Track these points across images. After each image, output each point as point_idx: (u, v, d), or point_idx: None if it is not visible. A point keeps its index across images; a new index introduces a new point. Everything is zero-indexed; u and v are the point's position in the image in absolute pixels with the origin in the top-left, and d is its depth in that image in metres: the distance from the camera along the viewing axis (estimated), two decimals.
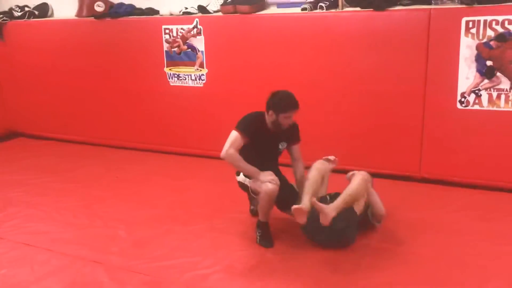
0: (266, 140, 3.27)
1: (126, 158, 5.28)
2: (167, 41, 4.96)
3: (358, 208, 3.17)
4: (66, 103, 5.77)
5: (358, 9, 4.16)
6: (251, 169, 3.14)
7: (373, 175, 4.24)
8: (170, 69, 5.04)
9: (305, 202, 3.06)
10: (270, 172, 3.12)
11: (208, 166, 4.78)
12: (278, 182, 3.11)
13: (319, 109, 4.44)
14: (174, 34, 4.89)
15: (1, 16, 5.91)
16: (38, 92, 5.92)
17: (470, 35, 3.78)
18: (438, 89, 3.97)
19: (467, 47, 3.81)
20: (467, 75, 3.86)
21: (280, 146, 3.36)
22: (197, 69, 4.89)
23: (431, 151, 4.11)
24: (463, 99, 3.91)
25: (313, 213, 3.04)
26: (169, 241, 3.37)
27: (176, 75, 5.02)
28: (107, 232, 3.54)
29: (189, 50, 4.88)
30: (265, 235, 3.26)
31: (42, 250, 3.30)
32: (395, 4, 4.03)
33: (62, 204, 4.04)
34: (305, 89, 4.42)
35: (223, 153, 3.15)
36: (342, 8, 4.24)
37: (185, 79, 4.98)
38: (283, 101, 3.17)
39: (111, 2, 5.31)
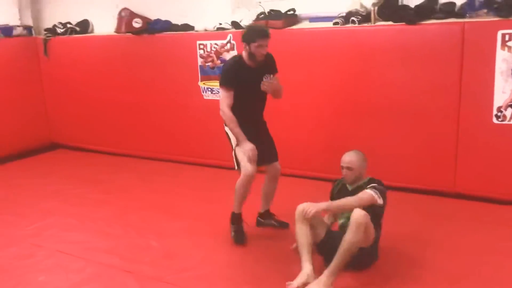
0: (250, 78, 3.40)
1: (159, 169, 5.40)
2: (201, 56, 5.07)
3: (367, 243, 2.92)
4: (104, 116, 5.97)
5: (390, 23, 4.14)
6: (239, 133, 3.37)
7: (406, 189, 4.21)
8: (204, 83, 5.13)
9: (308, 271, 2.85)
10: (252, 146, 3.32)
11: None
12: (256, 159, 3.34)
13: (351, 122, 4.42)
14: (208, 49, 4.99)
15: (46, 32, 6.19)
16: (77, 105, 6.15)
17: (506, 48, 3.70)
18: (473, 103, 3.90)
19: (503, 60, 3.73)
20: (503, 89, 3.77)
21: (264, 79, 3.45)
22: None
23: (466, 166, 4.03)
24: (499, 114, 3.82)
25: (329, 235, 3.00)
26: (198, 252, 3.41)
27: (209, 89, 5.11)
28: (140, 242, 3.62)
29: (223, 64, 4.96)
30: (239, 231, 3.50)
31: (77, 258, 3.41)
32: (428, 18, 4.00)
33: (97, 214, 4.17)
34: (337, 102, 4.44)
35: (220, 112, 3.44)
36: (374, 22, 4.23)
37: (218, 93, 5.03)
38: (252, 31, 3.38)
39: (148, 19, 5.47)
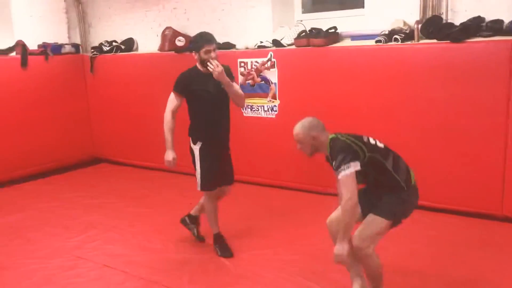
0: (205, 84, 3.49)
1: None
2: (242, 74, 5.11)
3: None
4: (146, 132, 6.08)
5: (434, 41, 4.07)
6: (169, 139, 3.59)
7: (452, 211, 4.09)
8: None
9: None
10: (171, 160, 3.57)
11: (279, 196, 4.81)
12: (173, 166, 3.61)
13: (394, 141, 4.33)
14: (249, 67, 5.04)
15: (92, 50, 6.41)
16: (121, 120, 6.30)
17: None
18: None
19: None
20: None
21: (222, 85, 3.49)
22: (270, 101, 4.99)
23: None
24: None
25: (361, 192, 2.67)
26: (236, 269, 3.41)
27: (249, 106, 5.14)
28: (179, 257, 3.65)
29: (263, 82, 5.00)
30: (224, 248, 3.64)
31: (118, 272, 3.46)
32: (474, 36, 3.90)
33: (137, 228, 4.23)
34: (380, 121, 4.37)
35: (164, 114, 3.61)
36: (418, 40, 4.17)
37: (258, 110, 5.09)
38: (197, 39, 3.55)
39: (191, 37, 5.57)
